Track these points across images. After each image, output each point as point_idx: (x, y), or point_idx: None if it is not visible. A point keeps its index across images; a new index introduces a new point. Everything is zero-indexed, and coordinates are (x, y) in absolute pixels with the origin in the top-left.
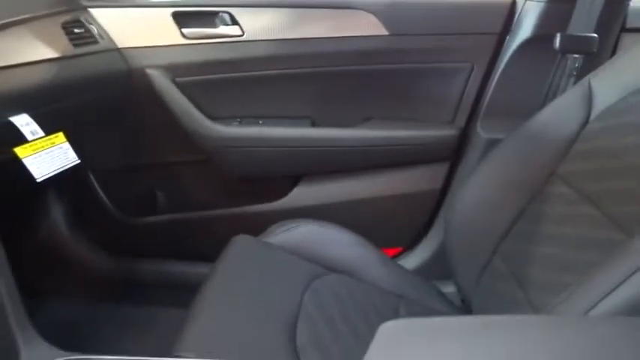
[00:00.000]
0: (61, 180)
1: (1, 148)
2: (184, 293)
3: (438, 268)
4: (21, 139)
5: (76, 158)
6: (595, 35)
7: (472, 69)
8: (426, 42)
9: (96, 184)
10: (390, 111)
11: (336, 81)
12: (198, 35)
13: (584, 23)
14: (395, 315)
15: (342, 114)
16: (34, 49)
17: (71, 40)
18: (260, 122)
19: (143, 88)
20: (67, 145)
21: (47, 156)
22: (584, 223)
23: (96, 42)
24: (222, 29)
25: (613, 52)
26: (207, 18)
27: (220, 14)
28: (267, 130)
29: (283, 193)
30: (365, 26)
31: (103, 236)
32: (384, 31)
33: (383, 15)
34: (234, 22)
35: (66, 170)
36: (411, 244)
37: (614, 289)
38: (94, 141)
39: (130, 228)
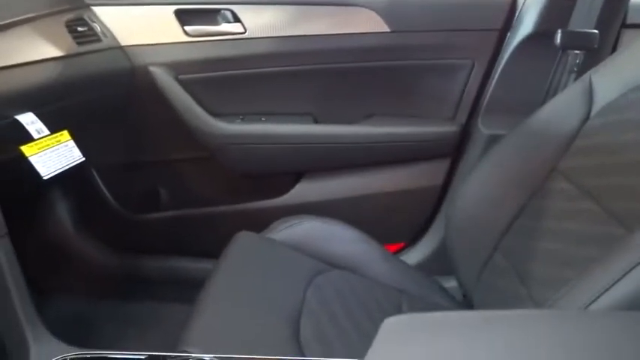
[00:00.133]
0: (65, 178)
1: (8, 147)
2: (188, 289)
3: (440, 263)
4: (27, 138)
5: (81, 156)
6: (596, 31)
7: (473, 65)
8: (428, 39)
9: (100, 182)
10: (391, 107)
11: (337, 78)
12: (200, 33)
13: (584, 19)
14: (397, 310)
15: (344, 111)
16: (38, 48)
17: (75, 38)
18: (262, 119)
19: (146, 85)
20: (72, 143)
21: (53, 154)
22: (584, 219)
23: (99, 40)
24: (224, 27)
25: (614, 48)
26: (210, 15)
27: (222, 12)
28: (269, 127)
29: (286, 189)
30: (366, 23)
31: (107, 233)
32: (385, 28)
33: (384, 12)
34: (237, 19)
35: (70, 168)
36: (412, 239)
37: (614, 284)
38: (98, 138)
39: (134, 225)
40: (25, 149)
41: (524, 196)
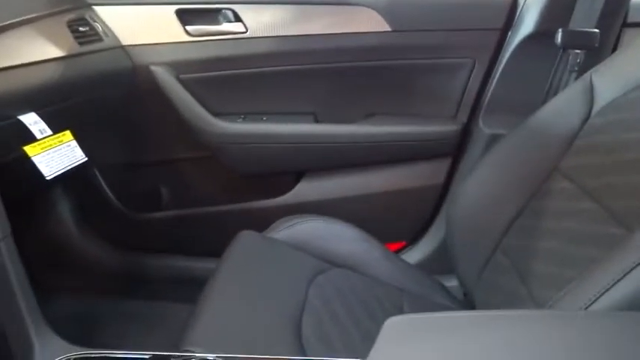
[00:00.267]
0: (67, 177)
1: (11, 147)
2: (190, 288)
3: (441, 262)
4: (30, 138)
5: (84, 156)
6: (596, 30)
7: (474, 64)
8: (429, 38)
9: (101, 181)
10: (392, 107)
11: (338, 77)
12: (201, 32)
13: (585, 18)
14: (398, 309)
15: (345, 110)
16: (40, 49)
17: (76, 38)
18: (264, 118)
19: (147, 85)
20: (74, 143)
21: (56, 154)
22: (585, 218)
23: (100, 40)
24: (225, 26)
25: (614, 47)
26: (211, 15)
27: (224, 11)
28: (270, 126)
29: (287, 189)
30: (367, 22)
31: (110, 232)
32: (386, 27)
33: (385, 11)
34: (238, 19)
35: (72, 168)
36: (413, 238)
37: (614, 285)
38: (100, 138)
39: (136, 224)
40: (29, 149)
41: (525, 196)
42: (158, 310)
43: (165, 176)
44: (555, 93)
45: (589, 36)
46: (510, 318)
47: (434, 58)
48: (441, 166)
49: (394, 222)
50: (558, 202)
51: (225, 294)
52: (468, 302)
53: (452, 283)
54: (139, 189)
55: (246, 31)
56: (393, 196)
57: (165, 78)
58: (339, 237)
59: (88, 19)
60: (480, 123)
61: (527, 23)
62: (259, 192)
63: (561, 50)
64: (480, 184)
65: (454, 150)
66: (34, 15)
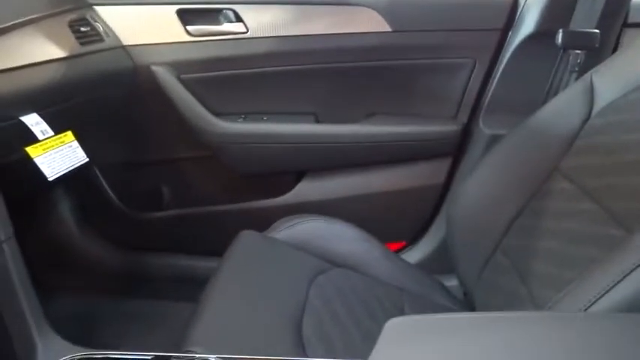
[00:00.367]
0: (68, 177)
1: (13, 148)
2: (191, 287)
3: (441, 262)
4: (31, 139)
5: (85, 157)
6: (597, 31)
7: (475, 65)
8: (429, 38)
9: (102, 180)
10: (393, 107)
11: (339, 77)
12: (202, 32)
13: (586, 19)
14: (398, 309)
15: (346, 110)
16: (41, 49)
17: (78, 38)
18: (264, 118)
19: (148, 85)
20: (76, 144)
21: (57, 155)
22: (585, 219)
23: (102, 40)
24: (226, 26)
25: (615, 48)
26: (212, 15)
27: (224, 11)
28: (271, 126)
29: (287, 188)
30: (368, 23)
31: (110, 231)
32: (387, 28)
33: (386, 11)
34: (239, 19)
35: (74, 168)
36: (414, 238)
37: (613, 286)
38: (101, 137)
39: (137, 223)
40: (30, 150)
41: (525, 196)
42: (159, 310)
43: (166, 176)
44: (555, 93)
45: (589, 36)
46: (510, 320)
47: (434, 58)
48: (442, 166)
49: (394, 222)
50: (558, 203)
51: (226, 294)
52: (467, 302)
53: (452, 282)
54: (140, 189)
55: (247, 31)
56: (394, 196)
57: (166, 78)
58: (340, 237)
59: (89, 19)
60: (481, 123)
61: (528, 23)
62: (260, 192)
63: (562, 50)
64: (480, 184)
65: (454, 150)
66: (35, 15)
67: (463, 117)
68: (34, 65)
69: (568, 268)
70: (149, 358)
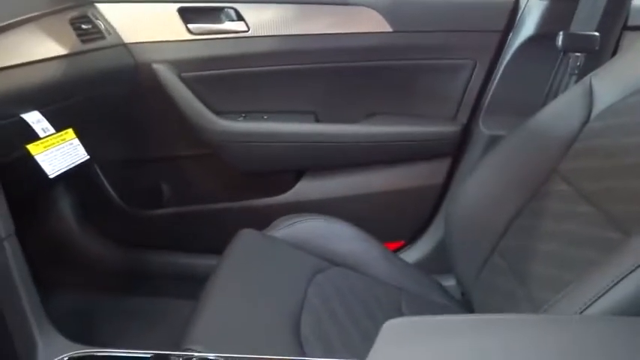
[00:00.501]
0: (69, 174)
1: (14, 145)
2: (191, 285)
3: (439, 262)
4: (32, 136)
5: (86, 154)
6: (597, 34)
7: (475, 66)
8: (430, 39)
9: (103, 178)
10: (393, 107)
11: (339, 77)
12: (203, 31)
13: (586, 21)
14: (396, 308)
15: (346, 109)
16: (43, 47)
17: (79, 36)
18: (264, 117)
19: (149, 83)
20: (76, 142)
21: (58, 152)
22: (583, 222)
23: (103, 37)
24: (227, 25)
25: (615, 51)
26: (213, 13)
27: (226, 10)
28: (271, 125)
29: (287, 187)
30: (369, 23)
31: (111, 229)
32: (387, 28)
33: (387, 12)
34: (240, 17)
35: (75, 166)
36: (412, 238)
37: (610, 289)
38: (101, 135)
39: (137, 221)
40: (32, 148)
41: (524, 197)
42: (159, 307)
43: (166, 174)
44: (555, 95)
45: (589, 39)
46: (507, 322)
47: (435, 58)
48: (441, 167)
49: (393, 221)
50: (557, 205)
51: (226, 292)
52: (465, 302)
53: (450, 282)
54: (140, 186)
55: (248, 29)
56: (393, 196)
57: (167, 76)
58: (339, 236)
59: (91, 16)
60: (480, 124)
61: (528, 25)
62: (260, 190)
63: (562, 53)
64: (480, 185)
65: (454, 150)
66: (36, 13)
67: (463, 118)
68: (36, 63)
69: (566, 270)
70: (148, 356)
